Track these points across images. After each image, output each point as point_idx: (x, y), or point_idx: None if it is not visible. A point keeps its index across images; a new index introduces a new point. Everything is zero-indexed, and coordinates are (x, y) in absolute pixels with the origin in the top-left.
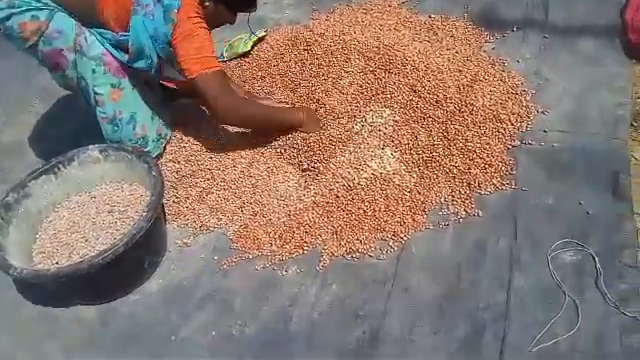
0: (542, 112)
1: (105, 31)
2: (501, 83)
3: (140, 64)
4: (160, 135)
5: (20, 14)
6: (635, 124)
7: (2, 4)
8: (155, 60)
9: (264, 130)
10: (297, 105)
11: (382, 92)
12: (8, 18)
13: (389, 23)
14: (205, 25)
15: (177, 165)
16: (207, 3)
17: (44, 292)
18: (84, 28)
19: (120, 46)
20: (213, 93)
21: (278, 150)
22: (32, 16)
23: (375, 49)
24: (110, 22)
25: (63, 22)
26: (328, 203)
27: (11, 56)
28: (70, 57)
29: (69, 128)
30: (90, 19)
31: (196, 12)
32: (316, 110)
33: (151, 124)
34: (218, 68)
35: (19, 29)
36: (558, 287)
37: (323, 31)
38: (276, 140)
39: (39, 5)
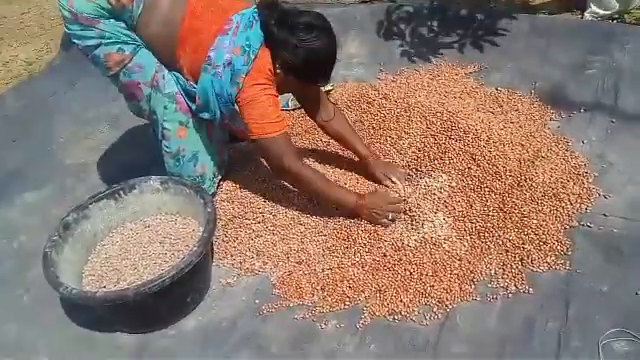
0: (604, 196)
1: (180, 75)
2: (563, 162)
3: (205, 115)
4: (215, 174)
5: (108, 45)
6: None
7: (93, 34)
8: (218, 114)
9: (316, 198)
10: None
11: (441, 157)
12: (97, 47)
13: (455, 91)
14: (271, 91)
15: (230, 205)
16: (278, 71)
17: (88, 314)
18: (163, 67)
19: (188, 94)
20: (274, 154)
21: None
22: (119, 48)
23: (438, 114)
24: (184, 70)
25: (145, 58)
26: (374, 260)
27: (89, 78)
28: (145, 91)
29: (135, 157)
30: (168, 62)
31: (265, 78)
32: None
33: (211, 163)
34: (280, 132)
35: (105, 58)
36: None
37: (388, 92)
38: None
39: (127, 40)
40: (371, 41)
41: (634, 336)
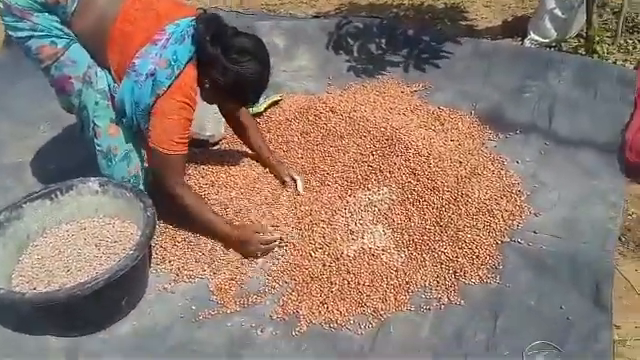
0: (534, 214)
1: (109, 75)
2: (498, 180)
3: (123, 120)
4: (149, 175)
5: (40, 38)
6: (623, 239)
7: (26, 25)
8: (135, 121)
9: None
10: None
11: (382, 171)
12: (29, 39)
13: (399, 107)
14: (186, 113)
15: (169, 210)
16: (206, 86)
17: (16, 316)
18: (96, 64)
19: (112, 95)
20: (161, 169)
21: (270, 203)
22: (51, 42)
23: (382, 129)
24: (112, 70)
25: (78, 53)
26: (313, 269)
27: (31, 77)
28: (77, 86)
29: (75, 158)
30: (100, 61)
31: (183, 96)
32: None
33: (144, 164)
34: (174, 153)
35: (36, 51)
36: None
37: (335, 105)
38: (272, 192)
39: (59, 34)
40: (321, 55)
41: (556, 348)
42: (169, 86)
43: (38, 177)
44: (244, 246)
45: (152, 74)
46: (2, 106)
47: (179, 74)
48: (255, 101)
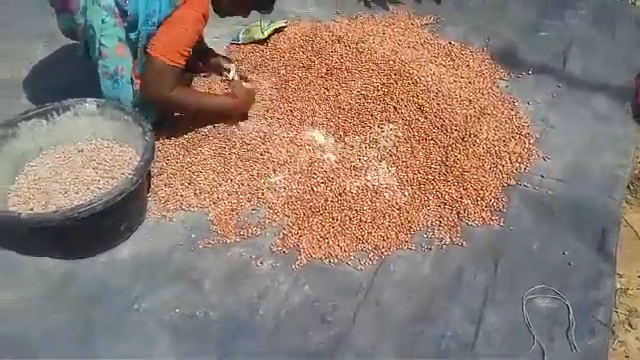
0: (543, 157)
1: None
2: (508, 121)
3: (130, 35)
4: None
5: None
6: (631, 187)
7: None
8: (143, 36)
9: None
10: None
11: (388, 106)
12: None
13: (409, 40)
14: (200, 26)
15: (170, 141)
16: None
17: (12, 238)
18: None
19: (120, 9)
20: (159, 79)
21: (277, 131)
22: None
23: (390, 62)
24: None
25: None
26: (314, 203)
27: None
28: (81, 2)
29: (71, 78)
30: None
31: (202, 7)
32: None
33: None
34: (176, 64)
35: None
36: (528, 330)
37: (342, 35)
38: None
39: None
40: None
41: (557, 293)
42: None
43: (31, 96)
44: (247, 102)
45: None
46: None
47: None
48: (273, 5)
